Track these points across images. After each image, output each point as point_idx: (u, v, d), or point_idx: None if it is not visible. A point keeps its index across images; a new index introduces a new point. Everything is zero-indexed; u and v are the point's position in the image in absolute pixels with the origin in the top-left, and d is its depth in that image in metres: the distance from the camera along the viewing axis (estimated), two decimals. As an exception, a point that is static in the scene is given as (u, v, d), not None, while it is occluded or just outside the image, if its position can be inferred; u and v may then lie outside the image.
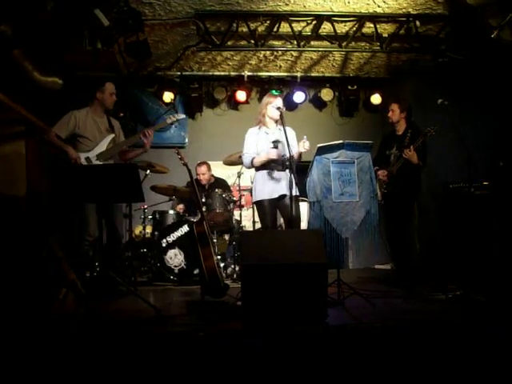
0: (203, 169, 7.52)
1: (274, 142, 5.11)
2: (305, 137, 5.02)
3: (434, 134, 5.73)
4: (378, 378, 3.46)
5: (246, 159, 5.27)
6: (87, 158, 5.29)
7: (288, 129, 5.22)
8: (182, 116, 5.94)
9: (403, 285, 5.55)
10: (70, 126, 5.33)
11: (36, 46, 6.08)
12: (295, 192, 4.89)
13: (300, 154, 5.13)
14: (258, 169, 5.27)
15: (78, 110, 5.46)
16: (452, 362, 3.56)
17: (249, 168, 5.43)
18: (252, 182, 5.56)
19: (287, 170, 5.09)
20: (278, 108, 5.05)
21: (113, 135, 5.51)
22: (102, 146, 5.40)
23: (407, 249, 6.05)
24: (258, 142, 5.24)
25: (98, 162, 5.30)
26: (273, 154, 5.06)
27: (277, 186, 5.16)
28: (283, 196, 5.15)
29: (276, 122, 5.29)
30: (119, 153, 5.61)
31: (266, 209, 5.19)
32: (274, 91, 8.36)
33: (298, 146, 5.04)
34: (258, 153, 5.22)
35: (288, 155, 4.99)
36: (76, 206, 5.39)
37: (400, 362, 3.55)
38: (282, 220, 5.64)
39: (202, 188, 7.31)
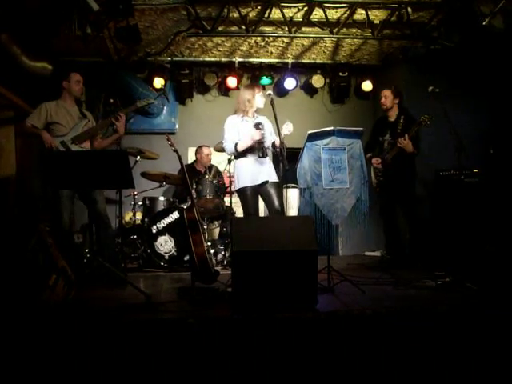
0: (208, 150, 7.62)
1: (256, 124, 5.21)
2: (287, 120, 5.07)
3: (429, 123, 5.75)
4: (369, 365, 3.49)
5: (229, 145, 5.33)
6: (62, 142, 5.34)
7: (265, 118, 5.46)
8: (152, 100, 6.11)
9: (393, 271, 5.58)
10: (42, 116, 5.38)
11: (24, 31, 6.03)
12: (276, 178, 5.25)
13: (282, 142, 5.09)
14: (239, 156, 5.36)
15: (48, 102, 5.51)
16: (441, 348, 3.59)
17: (231, 154, 5.51)
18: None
19: (267, 157, 5.37)
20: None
21: (86, 120, 5.60)
22: (77, 130, 5.46)
23: (401, 236, 6.14)
24: (241, 130, 5.30)
25: (73, 146, 5.37)
26: (257, 136, 5.14)
27: (259, 172, 5.29)
28: (265, 182, 5.25)
29: (255, 111, 5.44)
30: (94, 143, 5.67)
31: (249, 196, 5.29)
32: (264, 78, 8.37)
33: (282, 130, 5.01)
34: (240, 139, 5.29)
35: (270, 142, 5.36)
36: (53, 196, 5.41)
37: (390, 349, 3.58)
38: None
39: (197, 173, 7.31)
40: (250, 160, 5.30)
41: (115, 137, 5.67)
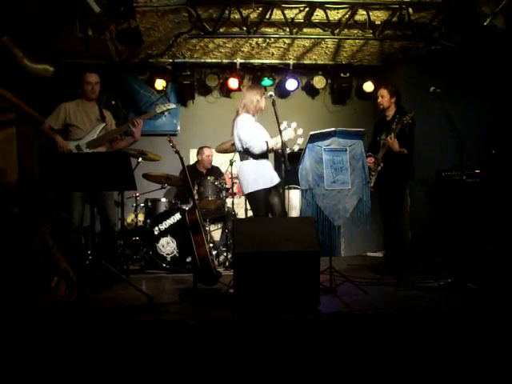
0: (209, 151, 7.67)
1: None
2: (293, 123, 5.08)
3: (410, 121, 5.73)
4: (371, 365, 3.49)
5: (261, 142, 5.10)
6: (77, 146, 5.36)
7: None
8: (173, 106, 6.05)
9: (395, 272, 5.57)
10: (61, 117, 5.41)
11: (26, 33, 6.03)
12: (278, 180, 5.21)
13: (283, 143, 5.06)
14: (247, 158, 5.21)
15: (68, 101, 5.53)
16: (442, 349, 3.59)
17: (260, 153, 5.15)
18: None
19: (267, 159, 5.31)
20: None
21: (103, 124, 5.56)
22: (93, 135, 5.47)
23: (398, 236, 6.07)
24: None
25: (88, 150, 5.36)
26: (291, 135, 5.14)
27: (270, 174, 5.23)
28: (278, 184, 5.25)
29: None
30: (110, 143, 5.69)
31: (262, 199, 5.12)
32: (266, 79, 8.36)
33: (293, 132, 5.12)
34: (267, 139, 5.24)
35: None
36: (63, 195, 5.42)
37: (392, 349, 3.58)
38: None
39: (199, 174, 7.32)
40: (260, 163, 5.17)
41: (131, 141, 5.72)
